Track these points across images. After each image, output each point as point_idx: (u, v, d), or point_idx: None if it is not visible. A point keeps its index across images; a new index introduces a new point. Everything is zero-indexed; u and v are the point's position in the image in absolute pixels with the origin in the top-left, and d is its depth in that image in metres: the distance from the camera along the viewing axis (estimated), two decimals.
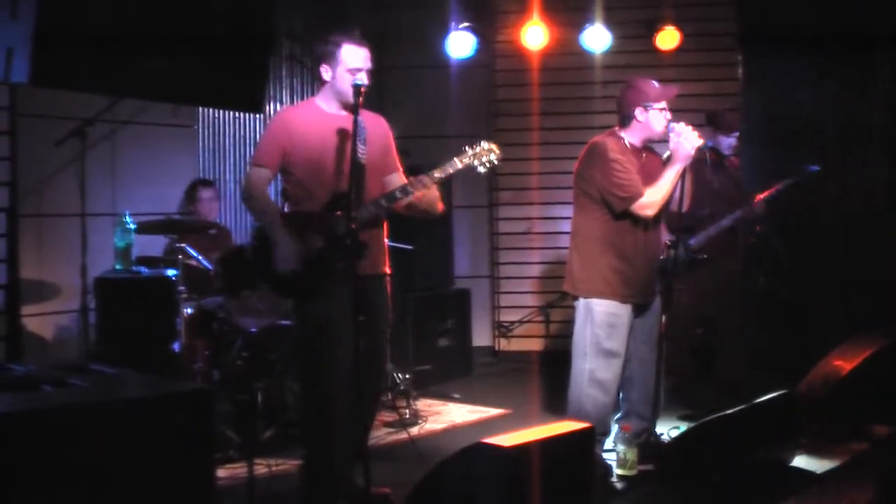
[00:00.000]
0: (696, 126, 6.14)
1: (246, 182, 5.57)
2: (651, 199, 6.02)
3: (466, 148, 5.33)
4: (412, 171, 5.47)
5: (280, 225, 5.32)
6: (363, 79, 5.32)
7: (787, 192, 7.49)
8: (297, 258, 5.25)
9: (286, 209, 5.51)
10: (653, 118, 6.11)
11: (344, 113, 5.44)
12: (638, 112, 6.13)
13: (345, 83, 5.33)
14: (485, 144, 5.33)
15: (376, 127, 5.56)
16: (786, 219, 8.12)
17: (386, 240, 5.69)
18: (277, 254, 5.25)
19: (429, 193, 5.31)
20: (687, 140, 5.97)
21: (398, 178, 5.60)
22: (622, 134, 6.23)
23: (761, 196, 7.40)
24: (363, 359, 5.10)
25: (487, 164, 5.34)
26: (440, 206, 5.49)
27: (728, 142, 7.72)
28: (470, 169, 5.36)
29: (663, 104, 6.12)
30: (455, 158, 5.30)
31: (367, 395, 5.45)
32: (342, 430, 5.32)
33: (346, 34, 5.44)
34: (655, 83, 6.17)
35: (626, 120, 6.21)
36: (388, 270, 5.65)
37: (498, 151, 5.36)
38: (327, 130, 5.39)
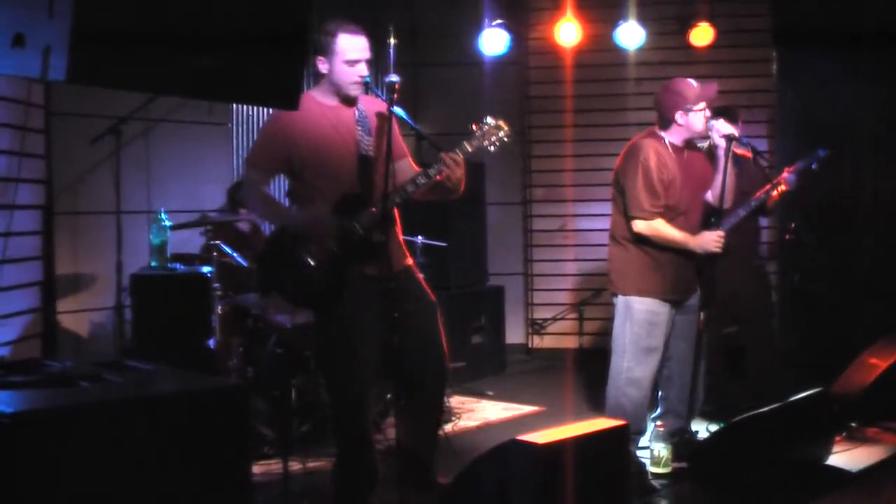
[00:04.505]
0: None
1: (245, 185, 5.45)
2: (657, 231, 6.05)
3: (474, 128, 5.12)
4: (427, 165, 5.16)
5: (293, 211, 5.22)
6: (363, 70, 5.12)
7: (800, 176, 7.37)
8: (328, 219, 5.05)
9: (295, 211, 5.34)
10: (693, 120, 6.09)
11: (344, 105, 5.23)
12: (678, 115, 6.10)
13: (343, 76, 5.11)
14: (491, 121, 5.10)
15: (378, 112, 5.22)
16: (817, 216, 8.08)
17: (400, 235, 5.42)
18: (313, 225, 5.07)
19: (455, 173, 5.00)
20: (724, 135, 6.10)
21: (407, 164, 5.34)
22: (662, 134, 6.20)
23: (770, 184, 7.32)
24: (420, 356, 5.10)
25: (497, 143, 5.10)
26: (462, 187, 5.14)
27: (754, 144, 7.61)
28: (481, 150, 5.09)
29: (703, 104, 6.10)
30: (464, 142, 5.05)
31: (432, 392, 5.34)
32: (367, 429, 5.30)
33: (342, 23, 5.18)
34: (694, 82, 6.13)
35: (665, 122, 6.17)
36: (411, 261, 5.42)
37: (506, 128, 5.12)
38: (332, 126, 5.17)
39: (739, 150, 6.66)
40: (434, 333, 5.31)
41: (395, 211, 5.26)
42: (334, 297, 5.09)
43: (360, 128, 5.19)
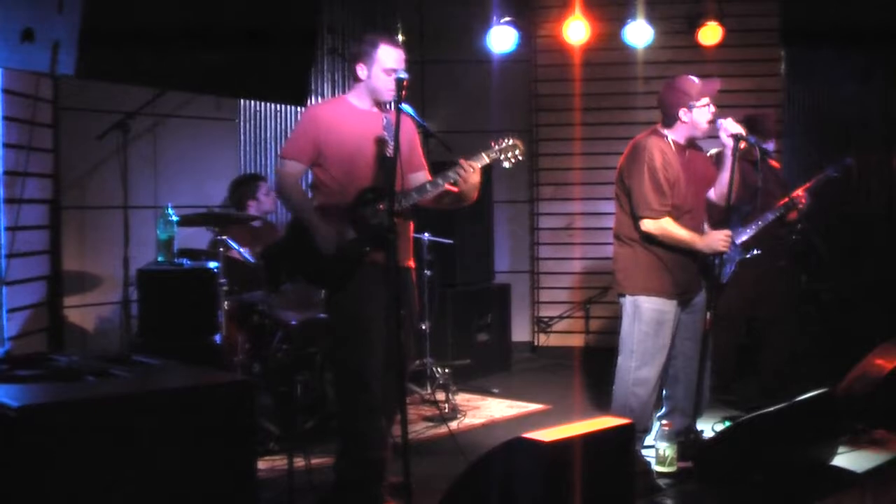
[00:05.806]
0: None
1: (279, 176, 5.67)
2: (666, 230, 6.02)
3: (492, 143, 5.46)
4: (442, 166, 5.51)
5: (316, 215, 5.44)
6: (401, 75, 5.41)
7: (824, 183, 7.45)
8: (337, 241, 5.37)
9: (316, 202, 5.59)
10: (697, 117, 6.07)
11: (376, 110, 5.59)
12: (682, 113, 6.08)
13: (380, 82, 5.46)
14: (510, 141, 5.48)
15: (403, 124, 5.40)
16: (826, 217, 8.06)
17: (413, 234, 5.77)
18: (319, 239, 5.36)
19: (471, 178, 5.34)
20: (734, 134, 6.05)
21: (423, 176, 5.71)
22: (666, 132, 6.18)
23: (802, 189, 7.36)
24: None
25: (512, 161, 5.49)
26: (475, 195, 5.52)
27: (765, 147, 7.61)
28: (496, 163, 5.48)
29: (706, 100, 6.08)
30: (482, 153, 5.43)
31: (390, 386, 5.43)
32: (377, 419, 5.42)
33: (384, 35, 5.61)
34: (696, 79, 6.12)
35: (669, 120, 6.16)
36: (412, 264, 5.71)
37: (522, 148, 5.51)
38: (360, 127, 5.50)
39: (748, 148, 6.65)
40: (407, 340, 5.57)
41: (410, 218, 5.65)
42: (347, 273, 5.40)
43: (385, 133, 5.49)
